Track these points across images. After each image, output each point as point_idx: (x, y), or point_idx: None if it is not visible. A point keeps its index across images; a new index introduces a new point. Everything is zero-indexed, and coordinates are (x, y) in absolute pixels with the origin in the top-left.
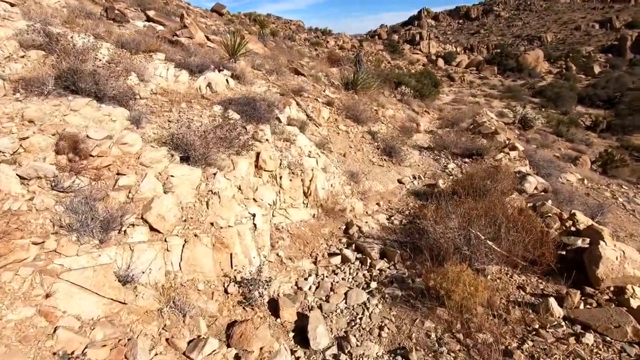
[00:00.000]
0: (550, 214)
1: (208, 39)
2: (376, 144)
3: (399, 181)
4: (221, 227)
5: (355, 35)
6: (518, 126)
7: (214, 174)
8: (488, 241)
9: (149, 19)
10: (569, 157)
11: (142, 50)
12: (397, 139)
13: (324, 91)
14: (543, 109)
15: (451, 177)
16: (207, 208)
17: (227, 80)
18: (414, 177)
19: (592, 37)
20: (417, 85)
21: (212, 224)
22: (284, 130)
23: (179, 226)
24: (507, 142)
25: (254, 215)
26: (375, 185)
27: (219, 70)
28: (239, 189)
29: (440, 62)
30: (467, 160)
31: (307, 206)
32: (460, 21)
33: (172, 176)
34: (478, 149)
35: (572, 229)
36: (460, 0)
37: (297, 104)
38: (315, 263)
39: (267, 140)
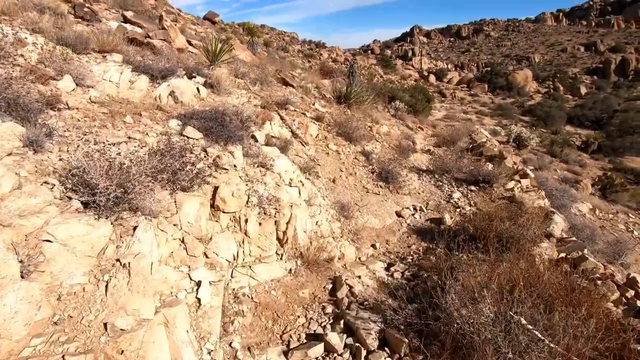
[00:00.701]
0: (596, 273)
1: (190, 43)
2: (371, 166)
3: (398, 214)
4: (122, 331)
5: (348, 49)
6: (512, 145)
7: (134, 228)
8: (539, 335)
9: (125, 20)
10: (568, 180)
11: (93, 50)
12: (394, 161)
13: (314, 104)
14: (534, 128)
15: (458, 210)
16: (106, 294)
17: (197, 88)
18: (415, 209)
19: (578, 59)
20: (410, 100)
21: (105, 326)
22: (260, 152)
23: (38, 340)
24: (516, 167)
25: (198, 283)
26: (370, 219)
27: (190, 77)
28: (182, 242)
29: (432, 78)
30: (473, 188)
31: (281, 258)
32: (452, 39)
33: (49, 241)
34: (485, 175)
35: (637, 302)
36: (451, 19)
37: (281, 118)
38: (286, 355)
39: (234, 167)
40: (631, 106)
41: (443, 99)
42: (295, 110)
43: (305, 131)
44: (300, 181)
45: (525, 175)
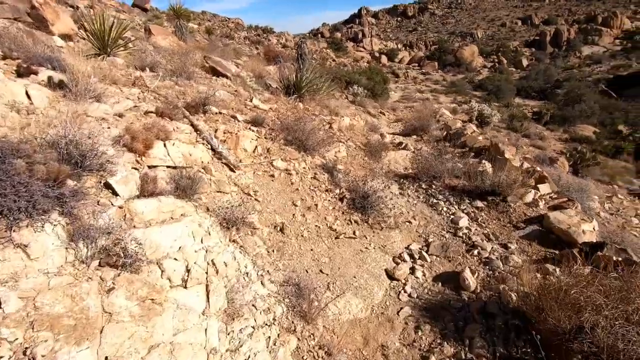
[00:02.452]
0: None
1: (86, 29)
2: (338, 189)
3: (390, 274)
4: None
5: (297, 35)
6: (475, 123)
7: None
8: None
9: None
10: (544, 160)
11: None
12: (368, 173)
13: (251, 100)
14: (487, 103)
15: (477, 253)
16: None
17: (27, 92)
18: (413, 257)
19: (517, 32)
20: (368, 83)
21: None
22: (113, 224)
23: None
24: (523, 166)
25: None
26: (349, 302)
27: (29, 74)
28: None
29: (384, 59)
30: (480, 204)
31: None
32: (399, 19)
33: None
34: (492, 185)
35: None
36: None
37: (195, 129)
38: None
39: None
40: (571, 75)
41: (397, 79)
42: (221, 113)
43: (234, 145)
44: (210, 265)
45: (542, 179)
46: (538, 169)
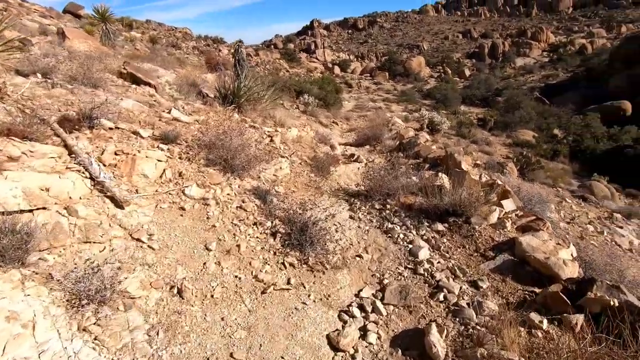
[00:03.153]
0: None
1: None
2: (270, 222)
3: (334, 345)
4: None
5: (250, 45)
6: (427, 131)
7: None
8: None
9: None
10: (494, 167)
11: None
12: (313, 193)
13: (168, 112)
14: (435, 110)
15: (443, 297)
16: None
17: None
18: (364, 309)
19: (458, 45)
20: (320, 93)
21: None
22: None
23: None
24: (481, 178)
25: None
26: None
27: None
28: None
29: (337, 69)
30: (440, 227)
31: None
32: (350, 31)
33: None
34: (454, 205)
35: None
36: (346, 12)
37: (70, 151)
38: None
39: None
40: (508, 84)
41: (350, 89)
42: (118, 128)
43: (129, 170)
44: None
45: (505, 194)
46: (499, 181)
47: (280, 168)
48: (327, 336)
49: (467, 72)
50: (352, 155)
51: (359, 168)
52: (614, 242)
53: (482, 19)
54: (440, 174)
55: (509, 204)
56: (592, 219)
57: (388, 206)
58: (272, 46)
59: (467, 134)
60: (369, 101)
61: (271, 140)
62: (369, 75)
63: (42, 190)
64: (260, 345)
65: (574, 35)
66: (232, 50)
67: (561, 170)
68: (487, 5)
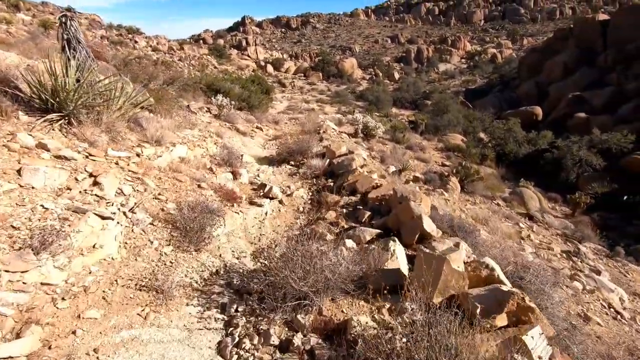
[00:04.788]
0: None
1: None
2: None
3: None
4: None
5: (176, 39)
6: (361, 136)
7: None
8: None
9: None
10: (433, 180)
11: None
12: (141, 311)
13: None
14: (367, 112)
15: None
16: None
17: None
18: None
19: (387, 49)
20: (242, 93)
21: None
22: None
23: None
24: (480, 273)
25: None
26: None
27: None
28: None
29: (270, 68)
30: None
31: None
32: (283, 30)
33: None
34: None
35: None
36: (279, 10)
37: None
38: None
39: None
40: (434, 88)
41: (283, 88)
42: None
43: None
44: None
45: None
46: (508, 285)
47: (95, 247)
48: None
49: (397, 75)
50: (263, 187)
51: (263, 217)
52: (610, 306)
53: (407, 25)
54: (391, 245)
55: (532, 341)
56: (562, 257)
57: (296, 335)
58: (201, 41)
59: (402, 139)
60: (303, 102)
61: (95, 183)
62: (302, 75)
63: None
64: None
65: (486, 45)
66: (58, 24)
67: (491, 175)
68: (411, 13)
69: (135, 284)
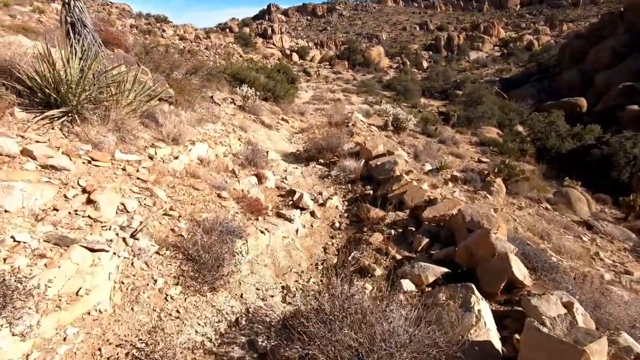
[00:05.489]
0: None
1: None
2: None
3: None
4: None
5: (204, 28)
6: (391, 129)
7: None
8: None
9: None
10: (473, 179)
11: None
12: None
13: None
14: (395, 102)
15: None
16: None
17: None
18: None
19: (416, 36)
20: (267, 82)
21: None
22: None
23: None
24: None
25: None
26: None
27: None
28: None
29: (295, 56)
30: None
31: None
32: (309, 18)
33: None
34: None
35: None
36: None
37: None
38: None
39: None
40: (466, 77)
41: (308, 77)
42: None
43: None
44: None
45: None
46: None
47: (77, 296)
48: None
49: (425, 64)
50: (291, 194)
51: (294, 236)
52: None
53: (437, 11)
54: (473, 300)
55: None
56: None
57: None
58: (228, 30)
59: (434, 132)
60: (328, 91)
61: (89, 201)
62: (328, 63)
63: None
64: None
65: (522, 31)
66: (61, 5)
67: (538, 179)
68: None
69: (127, 354)
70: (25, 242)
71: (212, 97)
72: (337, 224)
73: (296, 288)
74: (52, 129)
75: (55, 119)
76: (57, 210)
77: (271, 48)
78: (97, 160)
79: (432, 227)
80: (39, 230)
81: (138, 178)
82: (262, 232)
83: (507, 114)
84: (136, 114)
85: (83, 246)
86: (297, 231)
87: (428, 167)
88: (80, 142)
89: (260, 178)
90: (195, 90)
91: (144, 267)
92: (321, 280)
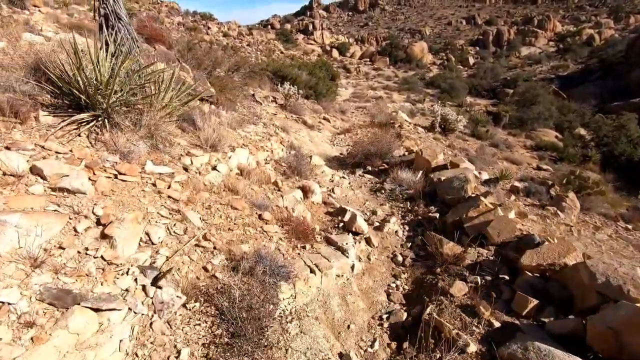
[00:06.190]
0: None
1: None
2: None
3: None
4: None
5: (247, 25)
6: (438, 131)
7: None
8: None
9: None
10: (538, 191)
11: None
12: None
13: None
14: (440, 101)
15: None
16: None
17: None
18: None
19: (462, 31)
20: (309, 80)
21: None
22: None
23: None
24: None
25: None
26: None
27: None
28: None
29: (335, 52)
30: None
31: None
32: (350, 13)
33: None
34: None
35: None
36: None
37: None
38: None
39: None
40: (518, 74)
41: (348, 74)
42: None
43: None
44: None
45: None
46: None
47: None
48: None
49: (471, 60)
50: (341, 212)
51: (349, 275)
52: None
53: (486, 4)
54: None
55: None
56: None
57: None
58: (269, 26)
59: (485, 134)
60: (369, 89)
61: (104, 236)
62: (368, 60)
63: None
64: None
65: (581, 25)
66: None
67: (610, 192)
68: None
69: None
70: (11, 305)
71: (253, 95)
72: (399, 257)
73: (357, 356)
74: (79, 135)
75: (84, 124)
76: (62, 248)
77: (312, 44)
78: (123, 175)
79: (535, 278)
80: (33, 283)
81: (169, 197)
82: (311, 270)
83: (565, 115)
84: (172, 117)
85: (87, 307)
86: (352, 267)
87: (485, 176)
88: (108, 151)
89: (305, 192)
90: (237, 88)
91: (165, 329)
92: (389, 346)
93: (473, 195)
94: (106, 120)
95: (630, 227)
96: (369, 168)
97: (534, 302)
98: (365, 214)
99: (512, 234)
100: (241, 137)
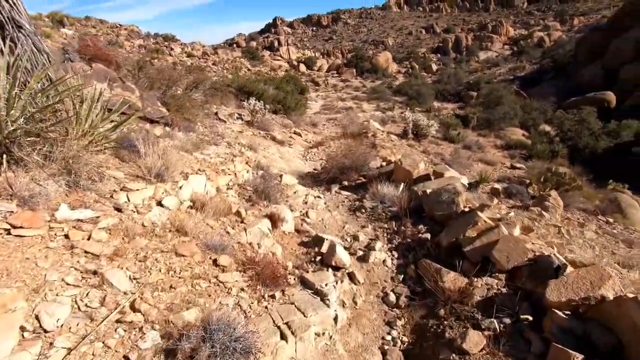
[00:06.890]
0: None
1: None
2: None
3: None
4: None
5: (212, 45)
6: (411, 137)
7: None
8: None
9: None
10: (519, 191)
11: None
12: None
13: None
14: (408, 107)
15: None
16: None
17: None
18: None
19: (422, 40)
20: (277, 94)
21: None
22: None
23: None
24: None
25: None
26: None
27: None
28: None
29: (302, 67)
30: None
31: None
32: (314, 28)
33: None
34: None
35: None
36: (309, 9)
37: None
38: None
39: None
40: (480, 78)
41: (317, 87)
42: None
43: None
44: None
45: None
46: None
47: None
48: None
49: (434, 67)
50: (318, 242)
51: (332, 332)
52: None
53: (443, 14)
54: None
55: None
56: None
57: None
58: (235, 45)
59: (457, 137)
60: (338, 100)
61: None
62: (335, 72)
63: None
64: None
65: (532, 28)
66: None
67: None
68: (446, 1)
69: None
70: None
71: (216, 113)
72: (391, 296)
73: None
74: None
75: None
76: None
77: (278, 60)
78: (19, 228)
79: (569, 319)
80: None
81: (86, 252)
82: (282, 334)
83: (529, 113)
84: (101, 145)
85: None
86: (335, 318)
87: (464, 180)
88: (1, 198)
89: (274, 220)
90: (197, 107)
91: None
92: None
93: (466, 209)
94: (4, 157)
95: (611, 220)
96: (345, 183)
97: (578, 357)
98: (346, 239)
99: (524, 257)
100: (198, 161)
